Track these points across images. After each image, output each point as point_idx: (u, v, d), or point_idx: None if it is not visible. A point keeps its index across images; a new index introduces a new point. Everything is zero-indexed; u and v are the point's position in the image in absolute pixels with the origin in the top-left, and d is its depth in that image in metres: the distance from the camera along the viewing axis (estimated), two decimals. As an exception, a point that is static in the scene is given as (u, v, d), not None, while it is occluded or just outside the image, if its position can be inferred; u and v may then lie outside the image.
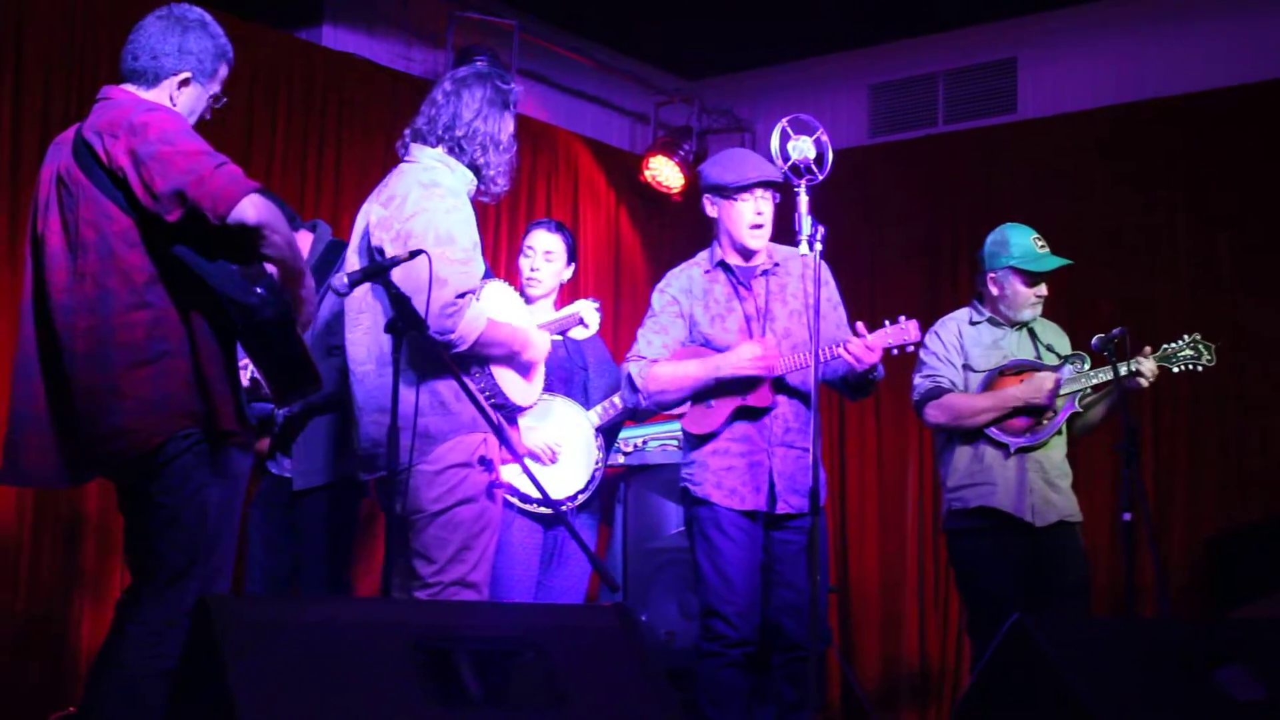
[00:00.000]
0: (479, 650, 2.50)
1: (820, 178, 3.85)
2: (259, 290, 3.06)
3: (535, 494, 4.44)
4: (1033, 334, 4.68)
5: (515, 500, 4.47)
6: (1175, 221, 6.46)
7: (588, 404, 4.76)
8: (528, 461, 4.50)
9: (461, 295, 3.49)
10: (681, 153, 7.39)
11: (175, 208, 2.97)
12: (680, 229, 7.52)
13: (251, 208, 2.97)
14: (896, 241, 7.23)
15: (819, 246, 3.78)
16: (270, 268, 3.18)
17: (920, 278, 7.09)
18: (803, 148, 3.87)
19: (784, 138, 3.89)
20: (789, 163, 3.87)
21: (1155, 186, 6.50)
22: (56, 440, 3.09)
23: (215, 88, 3.30)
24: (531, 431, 4.52)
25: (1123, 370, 4.38)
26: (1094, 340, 4.48)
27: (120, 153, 3.01)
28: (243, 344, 3.15)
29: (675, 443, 5.94)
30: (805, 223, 3.78)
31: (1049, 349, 4.64)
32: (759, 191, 4.25)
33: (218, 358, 3.11)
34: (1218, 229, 6.34)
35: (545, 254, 4.72)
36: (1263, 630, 3.40)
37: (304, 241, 4.59)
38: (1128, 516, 4.17)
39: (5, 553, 4.92)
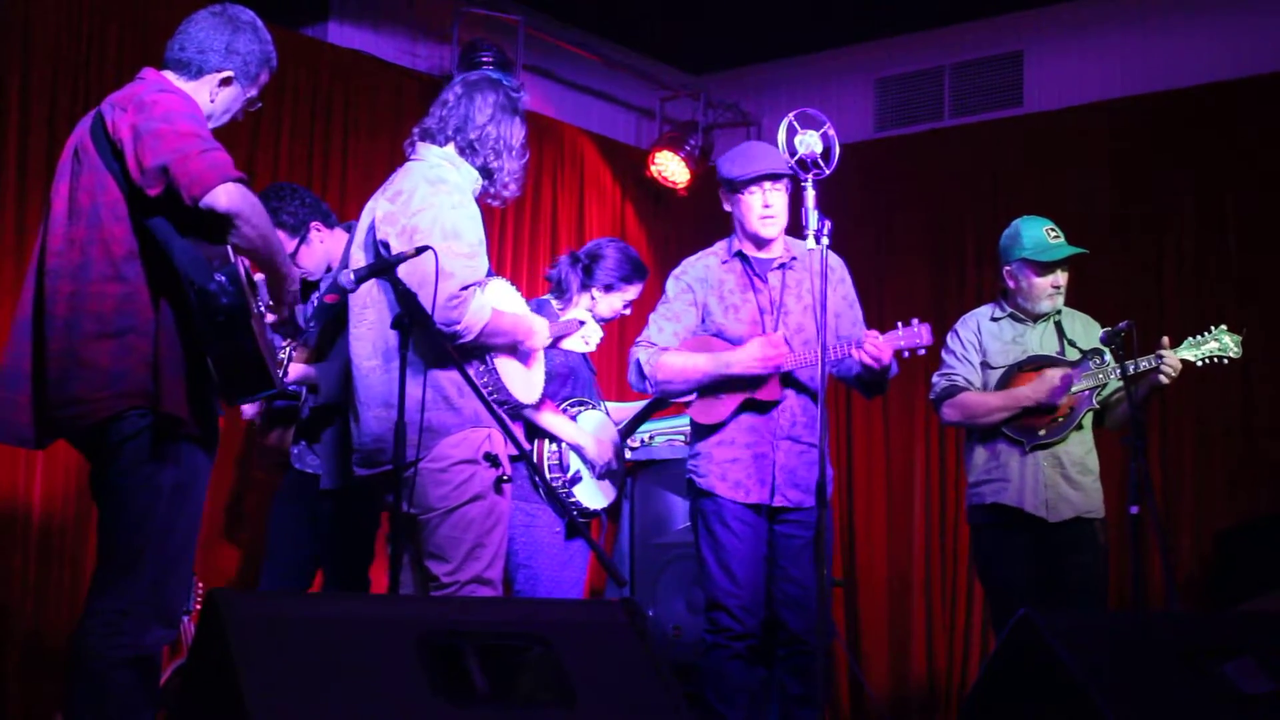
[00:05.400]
0: (486, 645, 2.50)
1: (827, 172, 3.85)
2: (219, 277, 3.05)
3: (591, 504, 4.59)
4: (1059, 327, 4.64)
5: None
6: (1182, 215, 6.44)
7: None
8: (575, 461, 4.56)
9: (466, 288, 3.50)
10: (687, 148, 7.37)
11: (157, 183, 3.01)
12: (686, 224, 7.51)
13: (224, 195, 2.99)
14: (903, 235, 7.22)
15: (825, 241, 3.78)
16: (259, 276, 3.20)
17: (927, 271, 7.08)
18: (809, 142, 3.87)
19: (790, 132, 3.89)
20: (795, 157, 3.87)
21: (1162, 180, 6.49)
22: (33, 401, 3.13)
23: (254, 91, 3.36)
24: (604, 445, 4.58)
25: (1132, 365, 4.36)
26: (1101, 334, 4.47)
27: (124, 125, 3.06)
28: (196, 330, 3.11)
29: (682, 438, 5.94)
30: (812, 217, 3.78)
31: (1072, 344, 4.59)
32: (767, 184, 4.25)
33: (176, 344, 3.10)
34: (1225, 222, 6.33)
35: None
36: (1271, 624, 3.39)
37: (339, 241, 4.57)
38: (1135, 510, 4.17)
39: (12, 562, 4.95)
